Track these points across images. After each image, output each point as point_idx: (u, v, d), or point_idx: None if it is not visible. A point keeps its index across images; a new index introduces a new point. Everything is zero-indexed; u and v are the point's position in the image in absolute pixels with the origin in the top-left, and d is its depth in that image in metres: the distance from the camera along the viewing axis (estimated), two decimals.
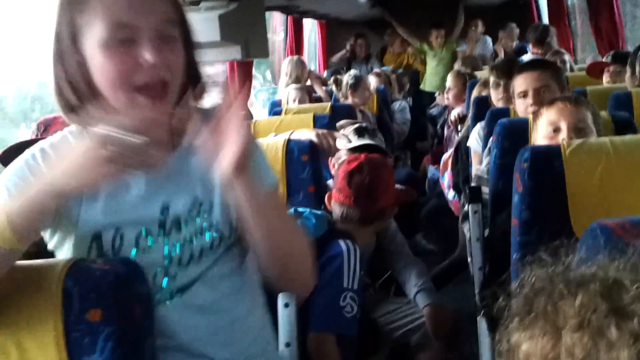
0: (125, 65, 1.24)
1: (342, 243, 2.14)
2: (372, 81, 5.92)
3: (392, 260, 2.72)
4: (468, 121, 4.36)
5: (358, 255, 2.13)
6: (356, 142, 2.95)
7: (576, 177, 1.84)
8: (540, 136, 2.31)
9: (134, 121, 1.12)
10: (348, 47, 8.21)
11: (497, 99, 3.61)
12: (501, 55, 7.23)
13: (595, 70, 4.21)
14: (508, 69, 3.50)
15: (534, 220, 1.87)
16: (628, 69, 3.52)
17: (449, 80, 5.10)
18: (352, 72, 5.76)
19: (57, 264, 1.18)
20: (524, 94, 2.87)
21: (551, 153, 1.89)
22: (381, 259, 2.75)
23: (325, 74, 7.54)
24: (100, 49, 1.24)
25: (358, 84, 4.92)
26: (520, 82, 2.90)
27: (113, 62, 1.24)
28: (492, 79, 3.64)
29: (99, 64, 1.25)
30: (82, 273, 1.15)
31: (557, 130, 2.24)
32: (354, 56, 8.23)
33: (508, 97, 3.38)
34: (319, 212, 2.31)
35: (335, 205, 2.41)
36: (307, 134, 2.63)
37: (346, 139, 2.92)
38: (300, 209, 2.28)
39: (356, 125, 3.12)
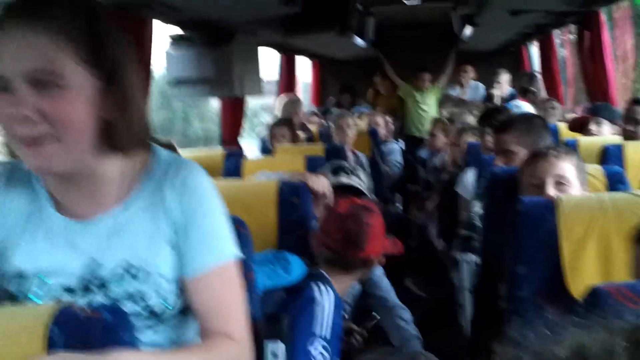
0: (3, 116, 1.19)
1: (315, 288, 2.09)
2: (363, 123, 5.95)
3: (378, 306, 2.69)
4: (452, 167, 4.39)
5: (332, 302, 2.08)
6: (332, 180, 2.89)
7: (570, 232, 1.83)
8: (524, 188, 2.31)
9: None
10: (334, 99, 8.30)
11: (484, 147, 3.62)
12: (496, 101, 7.32)
13: (576, 125, 4.25)
14: (489, 118, 3.57)
15: (527, 275, 1.85)
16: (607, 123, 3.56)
17: (431, 126, 5.15)
18: (336, 110, 5.82)
19: (41, 310, 1.14)
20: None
21: (545, 207, 1.88)
22: (367, 304, 2.72)
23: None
24: None
25: (340, 121, 4.95)
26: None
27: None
28: (478, 128, 3.68)
29: None
30: (68, 320, 1.11)
31: (539, 184, 2.24)
32: (340, 107, 8.30)
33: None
34: (294, 256, 2.28)
35: (320, 248, 2.36)
36: (300, 176, 2.61)
37: None
38: (283, 253, 2.24)
39: (334, 164, 3.10)
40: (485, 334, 2.20)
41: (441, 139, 5.15)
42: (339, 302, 2.11)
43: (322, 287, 2.08)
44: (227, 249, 1.36)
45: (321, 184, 2.58)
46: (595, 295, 1.14)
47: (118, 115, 1.25)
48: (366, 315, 2.74)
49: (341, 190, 2.79)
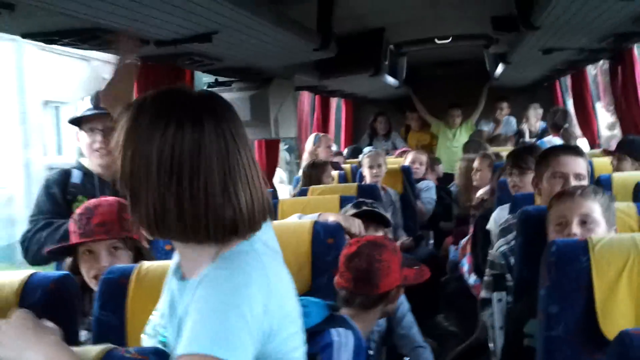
0: None
1: (334, 332, 2.07)
2: (409, 160, 6.01)
3: (401, 343, 2.70)
4: (486, 204, 4.39)
5: (351, 345, 2.07)
6: (351, 211, 2.93)
7: (603, 273, 1.85)
8: (550, 229, 2.34)
9: None
10: (367, 137, 8.35)
11: (510, 185, 3.64)
12: (525, 136, 7.31)
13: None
14: (516, 158, 3.59)
15: (560, 315, 1.87)
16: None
17: (476, 161, 5.08)
18: (367, 149, 5.85)
19: (90, 352, 1.21)
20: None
21: (578, 248, 1.91)
22: (392, 341, 2.73)
23: (345, 151, 7.64)
24: None
25: (372, 160, 5.00)
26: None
27: None
28: (506, 167, 3.69)
29: None
30: None
31: (564, 224, 2.27)
32: (375, 134, 8.34)
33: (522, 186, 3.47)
34: (317, 300, 2.30)
35: (338, 289, 2.38)
36: (335, 217, 2.65)
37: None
38: (301, 298, 2.26)
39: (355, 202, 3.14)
40: None
41: (486, 175, 5.03)
42: (359, 344, 2.12)
43: (342, 331, 2.10)
44: (204, 344, 1.19)
45: (356, 224, 2.62)
46: (624, 340, 1.16)
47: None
48: (397, 358, 2.75)
49: (366, 219, 2.82)
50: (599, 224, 2.27)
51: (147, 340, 1.51)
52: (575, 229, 2.25)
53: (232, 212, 1.30)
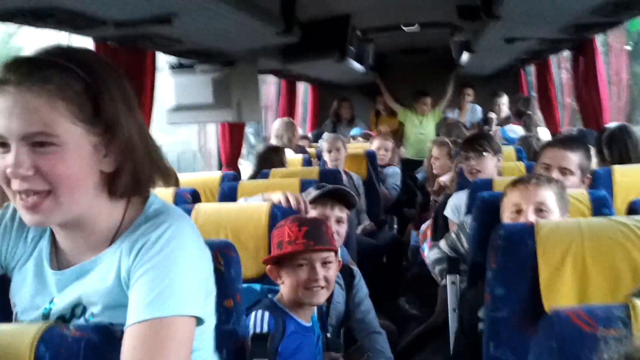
0: (2, 171, 1.24)
1: (251, 315, 2.13)
2: (374, 145, 6.03)
3: (357, 328, 2.71)
4: (446, 190, 4.44)
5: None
6: (314, 193, 2.90)
7: (548, 256, 1.89)
8: (505, 216, 2.39)
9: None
10: (332, 111, 8.33)
11: (466, 171, 3.69)
12: (492, 124, 7.37)
13: None
14: (471, 142, 3.64)
15: (505, 297, 1.91)
16: (596, 155, 3.63)
17: (435, 149, 5.11)
18: (326, 134, 5.90)
19: (29, 329, 1.21)
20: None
21: (524, 231, 1.94)
22: (348, 324, 2.74)
23: (309, 135, 7.65)
24: None
25: (330, 144, 5.04)
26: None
27: None
28: (461, 152, 3.74)
29: None
30: (54, 339, 1.18)
31: (519, 211, 2.34)
32: (339, 120, 8.34)
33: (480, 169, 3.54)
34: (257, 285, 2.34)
35: None
36: (278, 195, 2.66)
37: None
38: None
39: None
40: (465, 354, 2.25)
41: (446, 162, 5.06)
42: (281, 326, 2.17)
43: (258, 313, 2.14)
44: (173, 304, 1.24)
45: (301, 199, 2.63)
46: (552, 318, 1.20)
47: (119, 166, 1.30)
48: (358, 350, 2.75)
49: (331, 199, 2.84)
50: (553, 211, 2.33)
51: None
52: (531, 216, 2.31)
53: None
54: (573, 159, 2.88)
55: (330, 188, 2.93)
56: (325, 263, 2.22)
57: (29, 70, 1.22)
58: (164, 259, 1.28)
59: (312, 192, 2.88)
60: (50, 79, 1.22)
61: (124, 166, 1.31)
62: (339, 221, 2.83)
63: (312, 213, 2.79)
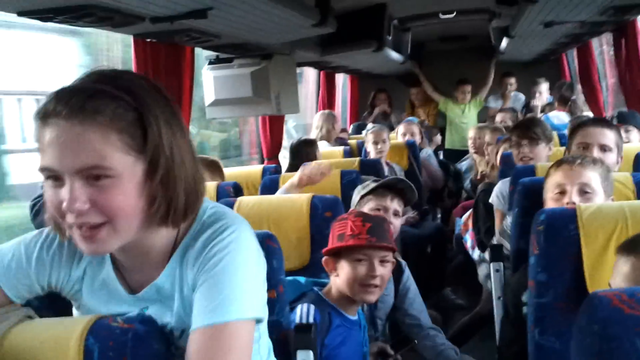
0: (56, 204, 1.24)
1: (296, 311, 2.13)
2: (400, 131, 6.00)
3: (409, 326, 2.67)
4: (488, 178, 4.39)
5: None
6: (372, 185, 2.86)
7: (591, 241, 1.87)
8: (548, 197, 2.35)
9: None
10: (369, 103, 8.29)
11: (517, 157, 3.63)
12: (537, 112, 7.24)
13: None
14: (526, 129, 3.57)
15: (549, 283, 1.89)
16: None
17: (487, 135, 5.07)
18: (370, 125, 5.87)
19: (79, 321, 1.25)
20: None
21: (566, 216, 1.93)
22: (398, 321, 2.72)
23: (350, 129, 7.63)
24: (44, 180, 1.25)
25: (376, 135, 5.02)
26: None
27: (49, 197, 1.25)
28: (512, 138, 3.67)
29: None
30: (102, 331, 1.21)
31: (562, 192, 2.30)
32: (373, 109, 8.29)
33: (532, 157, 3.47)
34: (301, 278, 2.35)
35: None
36: (294, 179, 2.64)
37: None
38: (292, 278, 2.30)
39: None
40: (511, 341, 2.24)
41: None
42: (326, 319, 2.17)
43: (304, 307, 2.14)
44: (235, 309, 1.28)
45: (309, 169, 2.61)
46: (593, 300, 1.19)
47: (164, 191, 1.29)
48: (404, 339, 2.74)
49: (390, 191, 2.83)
50: (597, 193, 2.29)
51: None
52: (575, 197, 2.27)
53: None
54: (610, 136, 2.87)
55: (391, 179, 2.92)
56: (382, 261, 2.22)
57: (80, 102, 1.21)
58: (228, 264, 1.30)
59: (370, 184, 2.87)
60: (102, 111, 1.21)
61: (168, 191, 1.29)
62: (395, 214, 2.82)
63: (369, 204, 2.79)
